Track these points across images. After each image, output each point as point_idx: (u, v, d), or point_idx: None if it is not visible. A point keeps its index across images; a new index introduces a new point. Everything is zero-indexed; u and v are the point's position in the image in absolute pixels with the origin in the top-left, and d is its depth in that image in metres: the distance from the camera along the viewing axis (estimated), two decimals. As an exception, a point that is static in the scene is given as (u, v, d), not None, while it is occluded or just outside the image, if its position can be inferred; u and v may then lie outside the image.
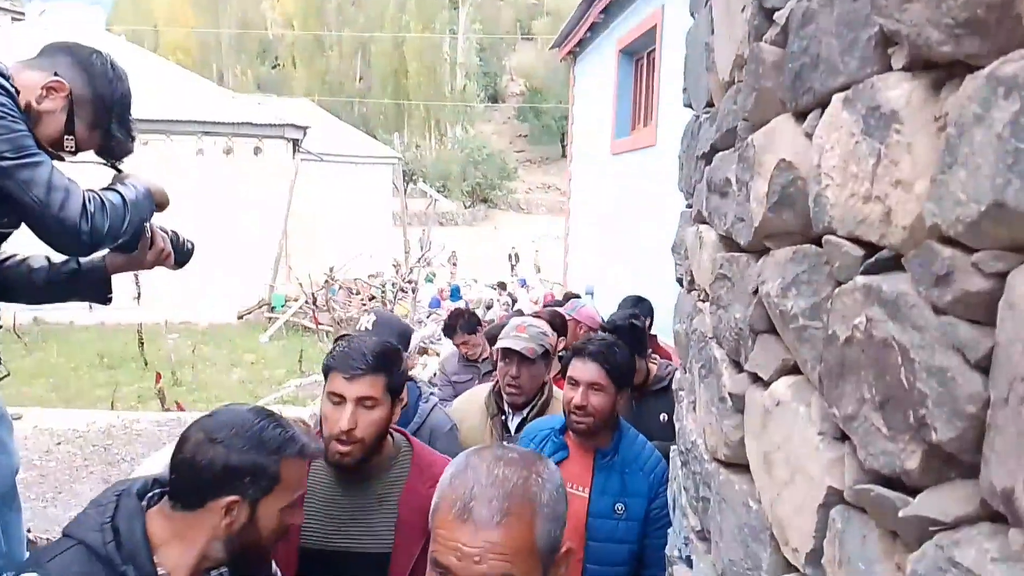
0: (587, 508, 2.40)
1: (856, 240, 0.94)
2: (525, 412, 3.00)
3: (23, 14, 21.90)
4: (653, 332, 5.14)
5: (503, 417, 3.04)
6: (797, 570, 1.10)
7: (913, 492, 0.82)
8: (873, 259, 0.89)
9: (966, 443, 0.74)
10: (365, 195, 25.28)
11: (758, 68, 1.26)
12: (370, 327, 2.93)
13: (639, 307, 4.86)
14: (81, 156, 2.01)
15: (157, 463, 4.75)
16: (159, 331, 13.72)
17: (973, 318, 0.73)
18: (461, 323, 5.01)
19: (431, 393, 3.63)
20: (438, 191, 39.70)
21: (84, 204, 1.79)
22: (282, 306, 17.23)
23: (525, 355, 2.90)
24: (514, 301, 17.01)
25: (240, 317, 17.51)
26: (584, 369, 2.46)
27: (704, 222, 1.73)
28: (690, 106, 2.03)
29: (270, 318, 16.88)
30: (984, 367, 0.71)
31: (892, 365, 0.83)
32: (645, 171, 9.08)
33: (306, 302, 16.30)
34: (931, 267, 0.77)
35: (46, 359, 13.25)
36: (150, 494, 1.53)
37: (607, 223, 11.13)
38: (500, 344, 3.00)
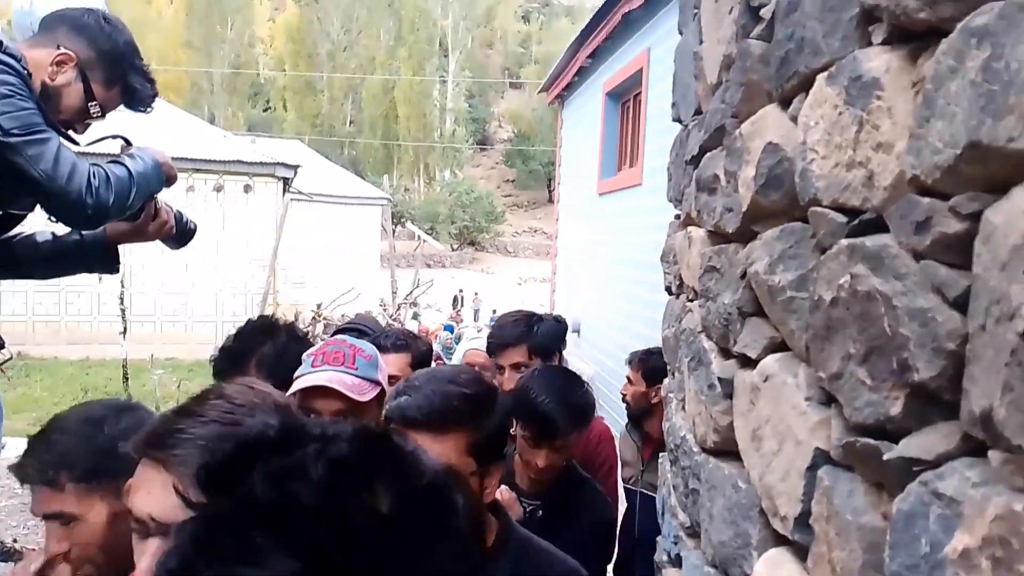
0: None
1: (840, 208, 0.99)
2: None
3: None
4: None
5: None
6: (786, 539, 1.13)
7: (897, 439, 0.85)
8: (856, 221, 0.94)
9: (946, 380, 0.77)
10: (354, 235, 25.35)
11: (745, 63, 1.32)
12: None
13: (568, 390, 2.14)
14: (91, 143, 2.04)
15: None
16: (144, 367, 13.58)
17: (950, 260, 0.77)
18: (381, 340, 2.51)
19: None
20: (426, 232, 39.82)
21: (89, 178, 1.84)
22: (269, 343, 17.13)
23: None
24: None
25: (226, 354, 17.39)
26: None
27: (692, 224, 1.78)
28: (679, 120, 2.09)
29: (256, 355, 16.77)
30: (961, 305, 0.75)
31: (875, 316, 0.87)
32: (631, 209, 9.19)
33: (293, 339, 16.22)
34: (910, 216, 0.81)
35: (29, 393, 13.02)
36: None
37: (593, 261, 11.21)
38: None
